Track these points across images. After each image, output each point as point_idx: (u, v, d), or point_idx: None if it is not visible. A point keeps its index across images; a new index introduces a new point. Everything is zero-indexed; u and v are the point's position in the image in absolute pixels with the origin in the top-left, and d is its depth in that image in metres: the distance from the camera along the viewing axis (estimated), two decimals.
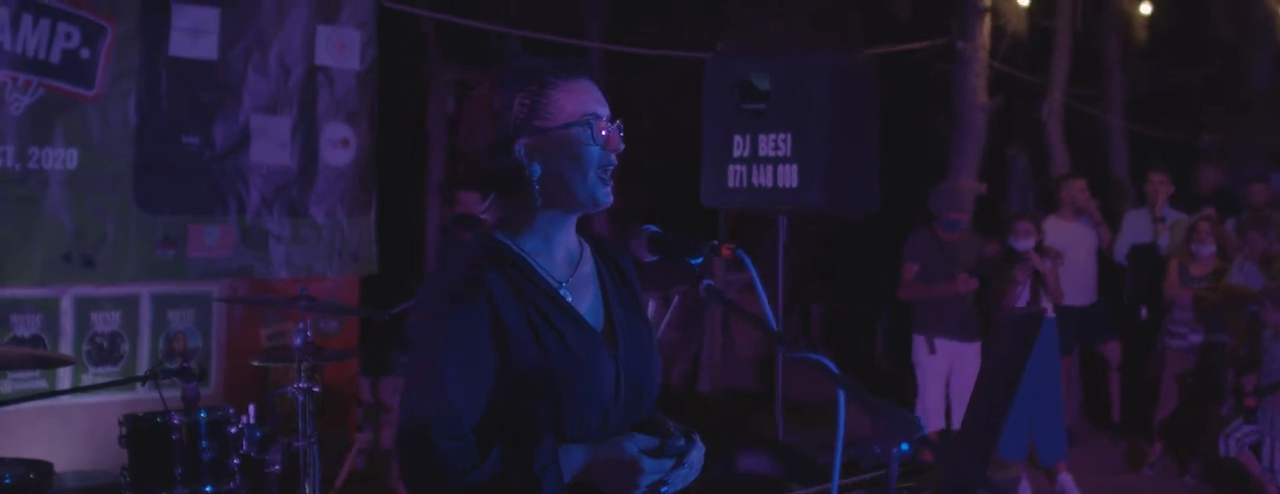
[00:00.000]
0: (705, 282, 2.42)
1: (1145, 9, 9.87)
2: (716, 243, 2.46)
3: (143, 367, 6.01)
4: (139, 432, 4.25)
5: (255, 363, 5.36)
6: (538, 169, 2.28)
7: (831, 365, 2.18)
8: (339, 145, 6.63)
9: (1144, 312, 8.65)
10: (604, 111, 2.33)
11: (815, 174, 5.29)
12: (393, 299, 7.57)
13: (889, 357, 10.95)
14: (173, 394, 4.24)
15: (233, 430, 4.34)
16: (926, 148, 9.61)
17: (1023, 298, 7.40)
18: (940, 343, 7.19)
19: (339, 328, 6.88)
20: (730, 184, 5.56)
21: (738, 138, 5.49)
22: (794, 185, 5.37)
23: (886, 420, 2.04)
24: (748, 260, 2.39)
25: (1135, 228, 8.84)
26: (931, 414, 7.15)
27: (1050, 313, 7.24)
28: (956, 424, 6.90)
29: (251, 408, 4.44)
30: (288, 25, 6.36)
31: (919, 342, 7.29)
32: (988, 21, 8.88)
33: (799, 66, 5.31)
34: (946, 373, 7.25)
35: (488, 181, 2.33)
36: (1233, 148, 11.19)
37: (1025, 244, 7.28)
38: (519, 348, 2.23)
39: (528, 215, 2.33)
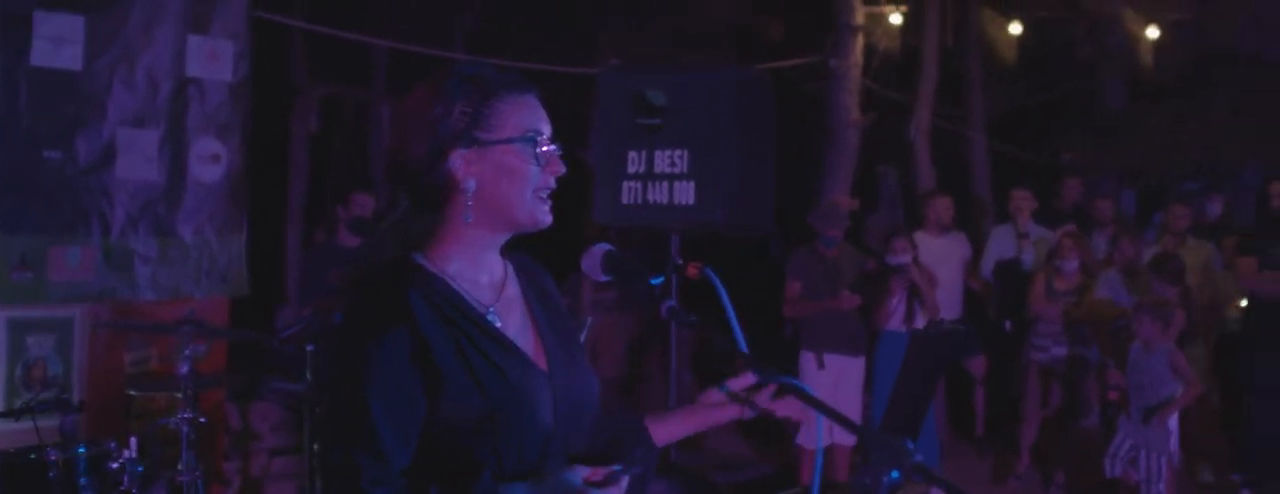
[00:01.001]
0: (667, 303, 2.32)
1: (1013, 29, 10.13)
2: (680, 262, 2.36)
3: None
4: (11, 469, 3.95)
5: (132, 393, 5.04)
6: (472, 184, 2.14)
7: (809, 389, 2.10)
8: (209, 161, 6.31)
9: (1008, 326, 8.83)
10: (547, 130, 2.20)
11: (713, 191, 5.22)
12: (260, 321, 7.28)
13: None
14: (44, 425, 3.96)
15: (113, 466, 4.07)
16: (798, 166, 9.68)
17: (898, 311, 7.52)
18: (829, 358, 7.25)
19: (205, 351, 6.55)
20: (624, 201, 5.44)
21: (632, 154, 5.38)
22: (690, 203, 5.29)
23: (875, 447, 1.95)
24: (717, 281, 2.29)
25: (1000, 244, 9.03)
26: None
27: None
28: (841, 438, 6.93)
29: (133, 441, 4.17)
30: (157, 35, 6.01)
31: (807, 358, 7.32)
32: (860, 39, 8.99)
33: (698, 82, 5.23)
34: (833, 388, 7.30)
35: (416, 193, 2.18)
36: (1090, 166, 11.57)
37: (902, 260, 7.46)
38: (450, 379, 2.08)
39: (454, 234, 2.18)
